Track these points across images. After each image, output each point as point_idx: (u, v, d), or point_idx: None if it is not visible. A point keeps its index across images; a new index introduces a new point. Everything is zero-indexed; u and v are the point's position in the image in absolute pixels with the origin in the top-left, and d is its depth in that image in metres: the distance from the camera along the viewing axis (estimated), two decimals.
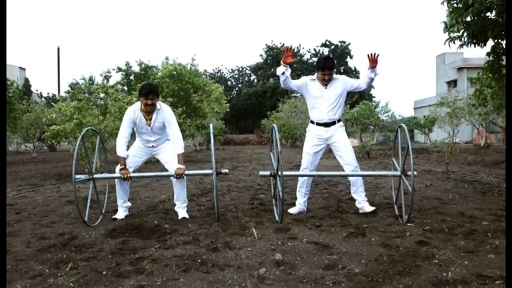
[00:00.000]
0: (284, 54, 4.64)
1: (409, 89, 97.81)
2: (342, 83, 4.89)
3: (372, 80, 4.80)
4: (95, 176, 4.75)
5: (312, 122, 4.99)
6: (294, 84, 4.88)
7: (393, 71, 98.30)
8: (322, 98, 4.84)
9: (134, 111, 4.70)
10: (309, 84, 4.89)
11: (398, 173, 4.70)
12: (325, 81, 4.82)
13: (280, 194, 4.31)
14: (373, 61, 4.71)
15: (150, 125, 4.70)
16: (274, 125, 4.82)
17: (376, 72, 4.77)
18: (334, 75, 4.87)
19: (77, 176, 4.42)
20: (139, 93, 4.75)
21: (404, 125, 4.79)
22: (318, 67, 4.82)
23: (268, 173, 4.83)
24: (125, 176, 4.57)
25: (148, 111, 4.68)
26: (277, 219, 4.52)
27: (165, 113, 4.74)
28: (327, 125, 4.88)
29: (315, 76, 4.89)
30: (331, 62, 4.82)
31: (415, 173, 4.51)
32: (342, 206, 5.44)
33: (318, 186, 7.27)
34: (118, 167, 4.66)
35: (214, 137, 4.82)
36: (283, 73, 4.68)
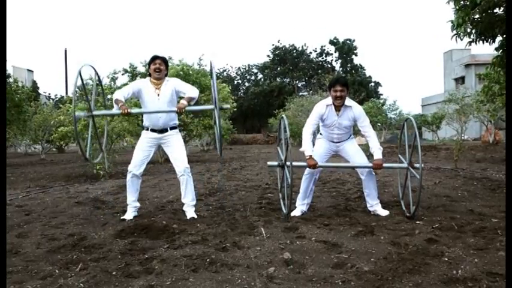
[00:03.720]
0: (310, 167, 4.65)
1: (417, 87, 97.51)
2: (353, 115, 4.79)
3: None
4: (94, 112, 4.72)
5: (321, 135, 5.01)
6: (315, 127, 4.85)
7: (400, 69, 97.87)
8: (333, 126, 4.83)
9: (142, 81, 4.90)
10: (323, 113, 4.80)
11: (405, 165, 4.71)
12: (338, 101, 4.72)
13: (289, 181, 4.31)
14: (378, 167, 4.68)
15: (158, 94, 4.75)
16: (284, 115, 4.84)
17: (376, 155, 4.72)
18: (350, 102, 4.81)
19: (77, 113, 4.45)
20: (148, 66, 4.90)
21: (412, 118, 4.79)
22: (330, 85, 4.79)
23: (276, 163, 4.81)
24: (125, 111, 4.49)
25: (157, 78, 4.78)
26: (284, 211, 4.52)
27: (173, 81, 4.92)
28: (337, 142, 4.95)
29: (330, 101, 4.80)
30: (343, 79, 4.81)
31: (423, 165, 4.50)
32: (351, 204, 5.43)
33: (326, 185, 7.26)
34: (115, 107, 4.62)
35: (218, 93, 4.74)
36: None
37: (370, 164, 4.71)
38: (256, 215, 4.82)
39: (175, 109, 4.61)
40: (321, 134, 5.02)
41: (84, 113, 4.71)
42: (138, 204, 4.94)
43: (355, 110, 4.79)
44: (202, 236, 3.89)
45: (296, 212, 4.86)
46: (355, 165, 4.97)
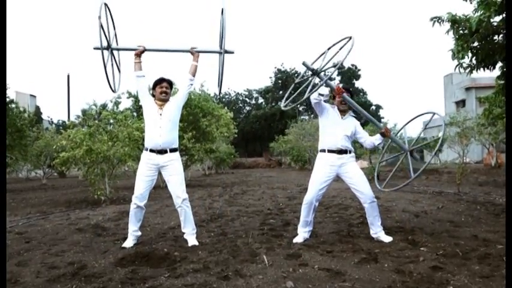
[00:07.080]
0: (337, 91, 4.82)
1: (418, 110, 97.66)
2: (354, 123, 5.06)
3: (374, 145, 5.08)
4: (113, 46, 5.00)
5: (323, 151, 4.93)
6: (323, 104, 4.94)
7: (401, 92, 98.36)
8: (339, 125, 4.91)
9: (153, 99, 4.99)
10: (329, 110, 4.99)
11: (406, 147, 5.30)
12: (343, 105, 4.97)
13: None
14: (387, 131, 5.02)
15: (161, 114, 4.80)
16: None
17: (380, 142, 5.08)
18: (352, 115, 5.12)
19: (96, 45, 4.60)
20: (153, 86, 4.99)
21: (436, 113, 5.25)
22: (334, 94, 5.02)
23: (312, 67, 4.86)
24: (141, 48, 4.81)
25: (162, 100, 4.88)
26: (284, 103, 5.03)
27: (173, 99, 4.98)
28: (339, 152, 4.85)
29: (334, 105, 5.06)
30: (347, 87, 5.13)
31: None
32: (353, 230, 5.38)
33: (329, 210, 7.20)
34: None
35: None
36: (323, 95, 4.76)
37: (381, 125, 5.13)
38: (258, 242, 4.77)
39: (188, 49, 4.89)
40: (322, 150, 4.97)
41: (104, 46, 4.77)
42: (139, 233, 4.89)
43: (356, 121, 5.10)
44: (204, 264, 3.85)
45: (298, 239, 4.81)
46: (370, 118, 5.16)
